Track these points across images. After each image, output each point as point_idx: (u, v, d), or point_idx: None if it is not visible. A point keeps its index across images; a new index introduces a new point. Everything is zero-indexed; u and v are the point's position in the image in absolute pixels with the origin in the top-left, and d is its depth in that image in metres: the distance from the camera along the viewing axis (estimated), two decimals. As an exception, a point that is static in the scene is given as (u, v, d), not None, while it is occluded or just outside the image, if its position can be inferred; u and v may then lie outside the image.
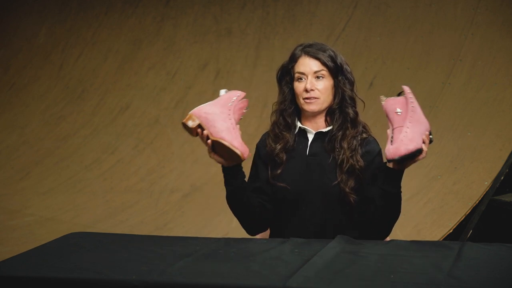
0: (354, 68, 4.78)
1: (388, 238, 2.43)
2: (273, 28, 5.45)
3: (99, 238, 2.34)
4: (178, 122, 5.42)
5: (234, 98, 2.31)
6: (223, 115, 2.28)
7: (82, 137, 5.69)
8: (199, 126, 2.27)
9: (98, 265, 2.00)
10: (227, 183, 2.36)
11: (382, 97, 2.30)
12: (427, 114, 4.50)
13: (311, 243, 2.16)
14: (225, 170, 2.35)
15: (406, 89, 2.30)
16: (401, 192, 2.30)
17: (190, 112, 2.30)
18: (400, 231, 3.69)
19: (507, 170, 3.86)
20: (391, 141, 2.20)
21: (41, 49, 6.56)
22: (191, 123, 2.27)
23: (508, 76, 4.28)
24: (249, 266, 1.94)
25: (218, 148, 2.28)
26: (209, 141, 2.27)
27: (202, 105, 2.32)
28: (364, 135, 2.38)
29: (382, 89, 4.70)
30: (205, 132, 2.26)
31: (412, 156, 2.19)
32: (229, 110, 2.30)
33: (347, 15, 5.10)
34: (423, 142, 2.20)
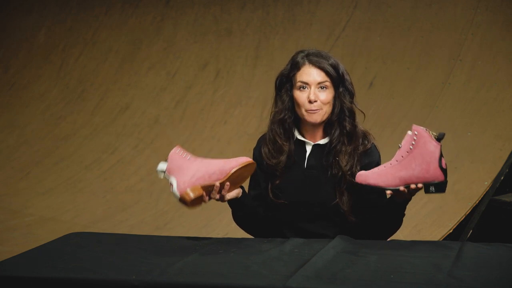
0: (354, 68, 4.84)
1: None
2: (273, 28, 5.45)
3: (99, 238, 2.34)
4: (178, 122, 5.42)
5: (179, 152, 2.23)
6: (202, 162, 2.20)
7: (82, 137, 5.69)
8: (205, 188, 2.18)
9: (98, 265, 2.00)
10: (237, 210, 2.35)
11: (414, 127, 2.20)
12: (427, 114, 4.54)
13: (311, 243, 2.16)
14: (234, 202, 2.32)
15: (414, 128, 2.17)
16: (404, 214, 2.30)
17: (180, 194, 2.14)
18: (400, 231, 3.67)
19: (507, 170, 3.86)
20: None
21: (41, 49, 6.56)
22: (196, 193, 2.15)
23: (508, 76, 4.28)
24: (249, 266, 1.94)
25: (232, 181, 2.21)
26: (227, 184, 2.19)
27: (175, 185, 2.16)
28: (366, 143, 2.33)
29: (382, 89, 4.71)
30: (217, 184, 2.18)
31: (374, 190, 2.17)
32: (192, 159, 2.21)
33: (347, 15, 5.10)
34: (399, 186, 2.15)
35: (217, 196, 2.22)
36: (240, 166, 2.19)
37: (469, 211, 3.77)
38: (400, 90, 4.64)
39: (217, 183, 2.18)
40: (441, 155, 2.15)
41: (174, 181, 2.17)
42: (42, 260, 2.07)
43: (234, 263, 1.98)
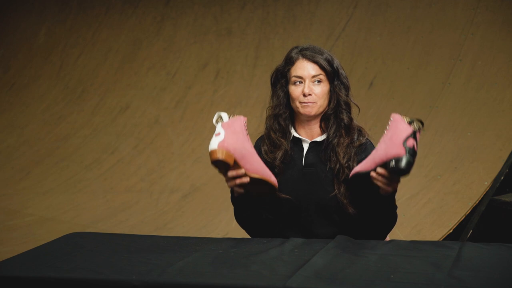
0: (354, 68, 4.84)
1: (388, 238, 2.43)
2: (273, 28, 5.45)
3: (99, 238, 2.34)
4: (178, 122, 5.42)
5: (244, 124, 2.22)
6: (250, 148, 2.20)
7: (82, 137, 5.69)
8: (235, 163, 2.15)
9: (98, 265, 2.00)
10: (245, 208, 2.33)
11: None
12: (427, 114, 4.55)
13: (311, 243, 2.16)
14: (240, 198, 2.30)
15: (391, 116, 2.17)
16: (395, 205, 2.29)
17: (218, 147, 2.12)
18: (400, 231, 3.70)
19: (507, 170, 3.86)
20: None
21: (41, 49, 6.57)
22: (227, 159, 2.12)
23: (508, 76, 4.28)
24: (249, 266, 1.94)
25: (251, 185, 2.21)
26: (245, 178, 2.19)
27: (221, 138, 2.15)
28: (361, 139, 2.34)
29: (382, 89, 4.71)
30: (240, 171, 2.17)
31: (357, 177, 2.17)
32: (248, 140, 2.22)
33: (347, 15, 5.10)
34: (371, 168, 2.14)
35: (234, 174, 2.18)
36: (270, 181, 2.22)
37: (469, 211, 3.77)
38: (400, 90, 4.64)
39: (243, 171, 2.18)
40: (410, 137, 2.11)
41: (222, 134, 2.15)
42: (42, 260, 2.07)
43: (234, 263, 1.98)
